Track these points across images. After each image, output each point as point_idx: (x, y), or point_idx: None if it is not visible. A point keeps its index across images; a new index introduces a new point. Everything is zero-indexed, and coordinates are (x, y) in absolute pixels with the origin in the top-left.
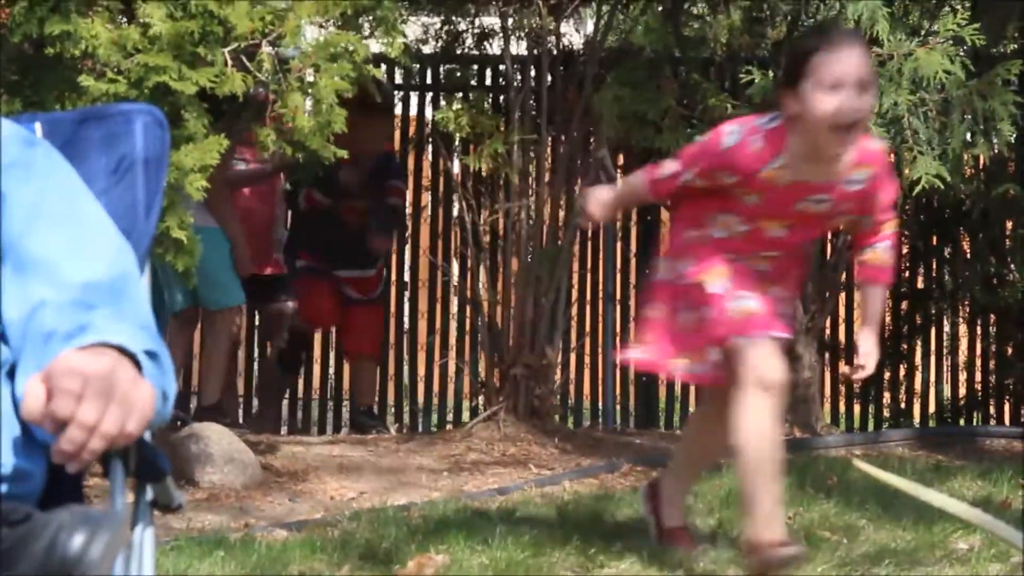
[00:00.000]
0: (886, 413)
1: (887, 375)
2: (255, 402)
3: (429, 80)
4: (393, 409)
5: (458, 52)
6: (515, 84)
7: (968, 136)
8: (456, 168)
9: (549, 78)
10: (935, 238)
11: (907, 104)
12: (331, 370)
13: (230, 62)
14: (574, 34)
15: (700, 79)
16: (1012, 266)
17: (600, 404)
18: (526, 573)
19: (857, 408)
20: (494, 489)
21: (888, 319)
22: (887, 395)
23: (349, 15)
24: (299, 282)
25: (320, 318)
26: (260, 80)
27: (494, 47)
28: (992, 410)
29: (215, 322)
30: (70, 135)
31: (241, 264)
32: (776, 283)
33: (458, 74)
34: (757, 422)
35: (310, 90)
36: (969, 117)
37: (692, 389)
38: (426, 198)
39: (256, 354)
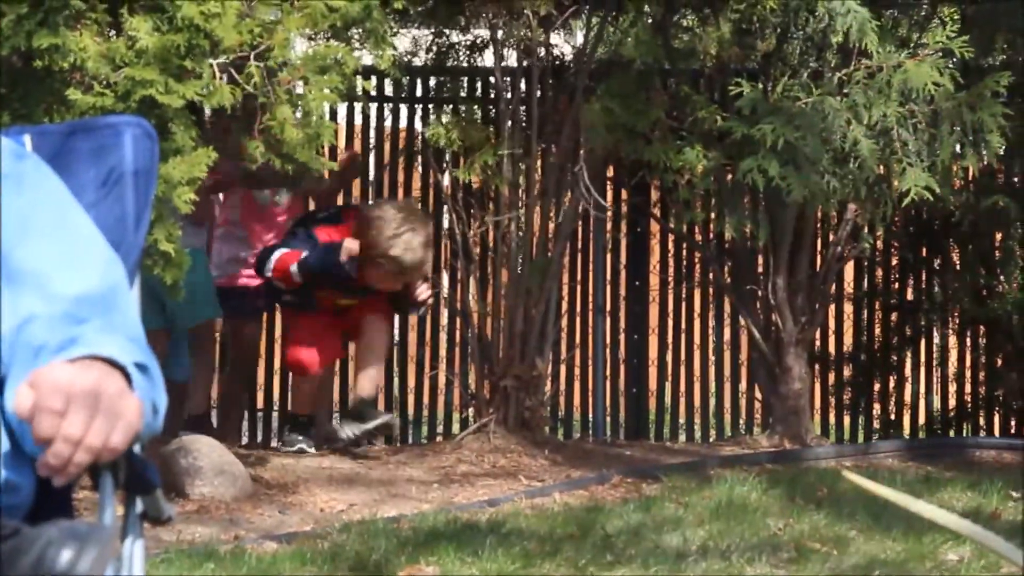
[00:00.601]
0: (876, 424)
1: (877, 386)
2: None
3: (419, 92)
4: None
5: (448, 64)
6: (505, 96)
7: (957, 148)
8: (446, 180)
9: (539, 90)
10: (924, 250)
11: (896, 116)
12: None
13: (218, 74)
14: (564, 46)
15: (690, 91)
16: (1001, 277)
17: (590, 416)
18: None
19: (847, 419)
20: (484, 501)
21: (878, 330)
22: (877, 406)
23: (339, 27)
24: (284, 318)
25: (322, 352)
26: (249, 92)
27: (485, 59)
28: (982, 421)
29: (198, 335)
30: (59, 147)
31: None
32: None
33: (448, 86)
34: None
35: (299, 102)
36: (958, 129)
37: (682, 401)
38: None
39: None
